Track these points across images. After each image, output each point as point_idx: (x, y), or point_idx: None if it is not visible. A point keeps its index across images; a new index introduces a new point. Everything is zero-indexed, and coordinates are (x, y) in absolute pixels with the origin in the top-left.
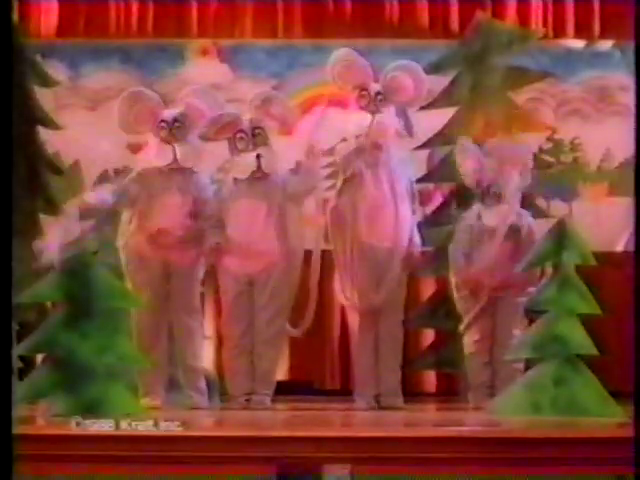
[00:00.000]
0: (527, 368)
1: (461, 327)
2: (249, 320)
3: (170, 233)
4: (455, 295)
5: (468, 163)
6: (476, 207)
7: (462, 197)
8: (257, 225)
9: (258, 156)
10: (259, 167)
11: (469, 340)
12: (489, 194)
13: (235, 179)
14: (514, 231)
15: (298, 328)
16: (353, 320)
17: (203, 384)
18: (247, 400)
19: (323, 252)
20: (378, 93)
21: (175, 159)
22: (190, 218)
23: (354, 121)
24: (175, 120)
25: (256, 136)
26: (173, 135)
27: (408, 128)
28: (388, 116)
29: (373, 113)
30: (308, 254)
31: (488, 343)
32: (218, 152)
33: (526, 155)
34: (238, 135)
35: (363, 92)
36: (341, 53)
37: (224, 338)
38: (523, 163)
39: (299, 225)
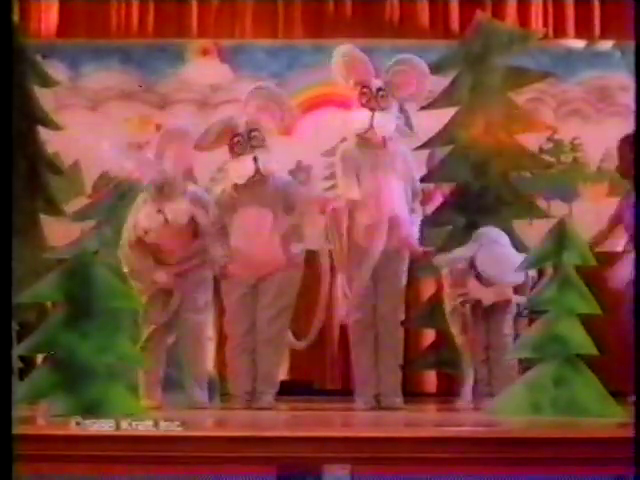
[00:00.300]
0: (526, 368)
1: (454, 333)
2: (252, 319)
3: (173, 255)
4: (446, 307)
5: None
6: (472, 284)
7: (462, 197)
8: (261, 233)
9: (255, 159)
10: (257, 170)
11: (464, 338)
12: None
13: (235, 185)
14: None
15: (302, 341)
16: (352, 320)
17: (205, 381)
18: (249, 400)
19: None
20: (379, 89)
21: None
22: (193, 237)
23: (355, 118)
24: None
25: (252, 138)
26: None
27: (409, 124)
28: (390, 113)
29: (374, 110)
30: (311, 254)
31: (483, 343)
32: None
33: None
34: (235, 139)
35: (364, 89)
36: (343, 49)
37: (226, 337)
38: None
39: (302, 229)
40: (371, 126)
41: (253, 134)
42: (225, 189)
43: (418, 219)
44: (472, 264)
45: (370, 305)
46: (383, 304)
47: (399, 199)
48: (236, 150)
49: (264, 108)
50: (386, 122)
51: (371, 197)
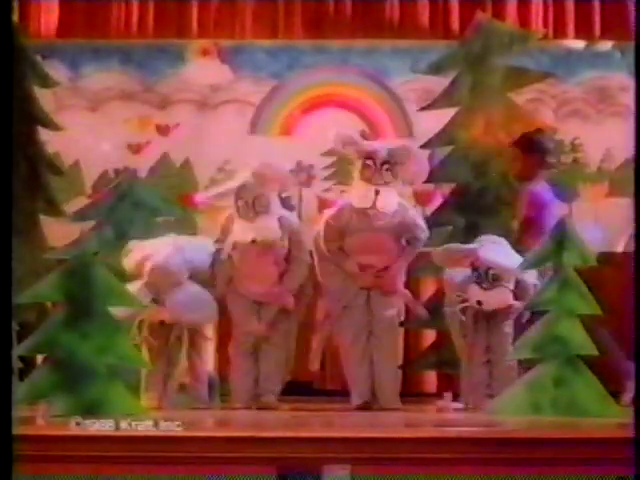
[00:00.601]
0: (527, 368)
1: (453, 337)
2: (255, 320)
3: None
4: (446, 312)
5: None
6: (473, 290)
7: (462, 198)
8: (264, 275)
9: (253, 241)
10: (254, 240)
11: (464, 342)
12: (487, 277)
13: (235, 243)
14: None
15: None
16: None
17: (206, 381)
18: (251, 399)
19: None
20: (385, 162)
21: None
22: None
23: (357, 195)
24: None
25: (256, 204)
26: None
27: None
28: (394, 188)
29: (378, 186)
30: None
31: (484, 344)
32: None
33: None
34: (239, 202)
35: (368, 161)
36: (341, 136)
37: (230, 336)
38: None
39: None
40: (374, 205)
41: (257, 200)
42: (225, 247)
43: (405, 263)
44: (473, 262)
45: (363, 308)
46: (380, 307)
47: (387, 252)
48: (240, 212)
49: (270, 180)
50: (390, 200)
51: (356, 252)
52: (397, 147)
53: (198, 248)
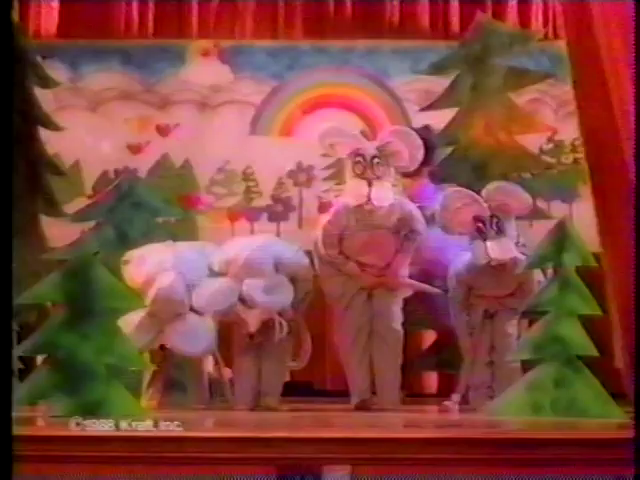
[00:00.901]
0: (527, 369)
1: (458, 335)
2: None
3: None
4: (452, 309)
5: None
6: (478, 245)
7: None
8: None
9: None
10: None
11: (470, 341)
12: (492, 225)
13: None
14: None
15: (297, 361)
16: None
17: (206, 381)
18: (253, 400)
19: None
20: (374, 157)
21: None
22: None
23: (351, 191)
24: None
25: None
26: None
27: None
28: (387, 181)
29: (371, 180)
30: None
31: (488, 344)
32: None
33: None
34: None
35: (358, 158)
36: (324, 129)
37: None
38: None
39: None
40: (369, 199)
41: None
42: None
43: (406, 257)
44: (477, 213)
45: (363, 307)
46: (380, 309)
47: (387, 249)
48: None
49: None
50: (384, 192)
51: (357, 253)
52: (386, 139)
53: (198, 264)
